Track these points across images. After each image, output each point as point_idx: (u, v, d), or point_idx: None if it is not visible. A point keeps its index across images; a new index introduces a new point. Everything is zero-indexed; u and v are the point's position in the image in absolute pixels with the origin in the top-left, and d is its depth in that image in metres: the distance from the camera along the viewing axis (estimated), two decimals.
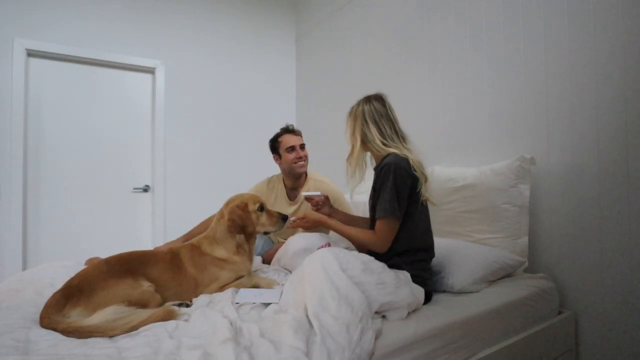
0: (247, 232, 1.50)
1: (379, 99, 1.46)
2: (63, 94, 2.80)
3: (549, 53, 1.71)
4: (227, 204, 1.56)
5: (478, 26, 2.02)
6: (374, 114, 1.42)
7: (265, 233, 1.61)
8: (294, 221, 1.52)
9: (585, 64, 1.58)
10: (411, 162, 1.33)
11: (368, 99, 1.46)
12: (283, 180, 2.12)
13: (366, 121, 1.41)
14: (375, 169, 1.46)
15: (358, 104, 1.47)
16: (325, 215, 1.52)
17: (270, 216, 1.56)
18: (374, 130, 1.40)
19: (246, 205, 1.52)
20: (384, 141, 1.39)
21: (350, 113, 1.48)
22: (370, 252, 1.32)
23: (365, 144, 1.42)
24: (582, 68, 1.59)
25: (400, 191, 1.28)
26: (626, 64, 1.46)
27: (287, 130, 2.07)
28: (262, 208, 1.55)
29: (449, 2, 2.18)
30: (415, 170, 1.32)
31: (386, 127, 1.41)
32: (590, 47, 1.57)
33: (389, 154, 1.36)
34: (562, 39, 1.66)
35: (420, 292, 1.24)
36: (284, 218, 1.58)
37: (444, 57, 2.22)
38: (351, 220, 1.65)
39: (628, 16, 1.46)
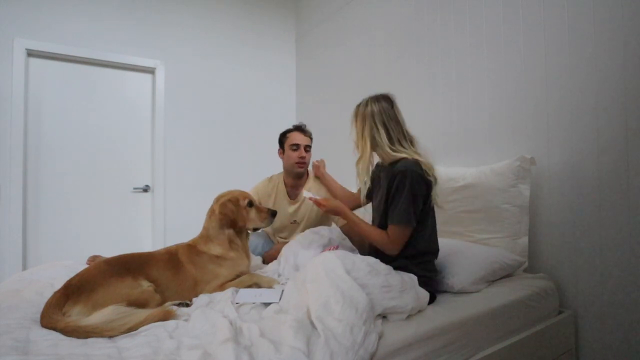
0: (237, 226, 1.53)
1: (387, 99, 1.41)
2: (63, 94, 2.80)
3: (549, 53, 1.71)
4: (217, 199, 1.60)
5: (478, 26, 2.02)
6: (383, 115, 1.37)
7: (255, 229, 1.62)
8: (310, 198, 1.51)
9: (585, 64, 1.58)
10: (423, 165, 1.30)
11: (377, 99, 1.41)
12: (284, 179, 2.13)
13: (375, 124, 1.36)
14: (379, 167, 1.45)
15: (366, 104, 1.41)
16: (341, 205, 1.46)
17: (260, 212, 1.60)
18: (383, 133, 1.36)
19: (237, 199, 1.56)
20: (392, 147, 1.36)
21: (357, 113, 1.42)
22: (376, 254, 1.32)
23: (374, 147, 1.39)
24: (582, 68, 1.59)
25: (416, 199, 1.27)
26: (626, 64, 1.46)
27: (298, 128, 2.09)
28: (250, 204, 1.59)
29: (449, 2, 2.18)
30: (428, 174, 1.30)
31: (394, 129, 1.37)
32: (590, 47, 1.57)
33: (399, 159, 1.34)
34: (562, 39, 1.66)
35: (425, 295, 1.23)
36: (273, 214, 1.62)
37: (444, 56, 2.22)
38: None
39: (628, 16, 1.46)
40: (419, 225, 1.31)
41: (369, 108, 1.39)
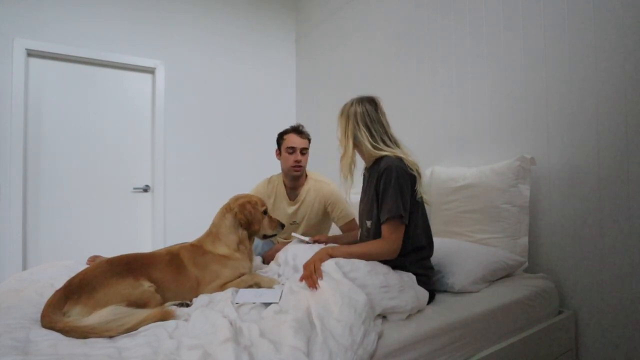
0: (252, 229, 1.57)
1: (371, 101, 1.44)
2: (63, 94, 2.80)
3: (549, 53, 1.71)
4: (235, 199, 1.61)
5: (478, 26, 2.02)
6: (366, 116, 1.40)
7: (264, 237, 1.67)
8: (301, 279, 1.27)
9: (585, 64, 1.58)
10: (405, 162, 1.33)
11: (361, 100, 1.44)
12: (283, 180, 2.12)
13: (357, 123, 1.40)
14: (366, 169, 1.47)
15: (351, 104, 1.45)
16: (325, 250, 1.31)
17: (271, 221, 1.67)
18: (365, 132, 1.39)
19: (257, 203, 1.62)
20: (375, 144, 1.38)
21: (342, 113, 1.46)
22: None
23: (357, 145, 1.42)
24: (582, 68, 1.59)
25: (403, 191, 1.28)
26: (626, 64, 1.46)
27: (295, 129, 2.05)
28: (265, 212, 1.66)
29: (449, 1, 2.18)
30: (412, 169, 1.32)
31: (378, 129, 1.41)
32: (590, 47, 1.57)
33: (382, 157, 1.36)
34: (562, 39, 1.66)
35: (424, 295, 1.23)
36: (282, 226, 1.71)
37: (444, 56, 2.21)
38: (339, 240, 1.75)
39: (628, 16, 1.46)
40: (410, 221, 1.31)
41: (353, 108, 1.43)
